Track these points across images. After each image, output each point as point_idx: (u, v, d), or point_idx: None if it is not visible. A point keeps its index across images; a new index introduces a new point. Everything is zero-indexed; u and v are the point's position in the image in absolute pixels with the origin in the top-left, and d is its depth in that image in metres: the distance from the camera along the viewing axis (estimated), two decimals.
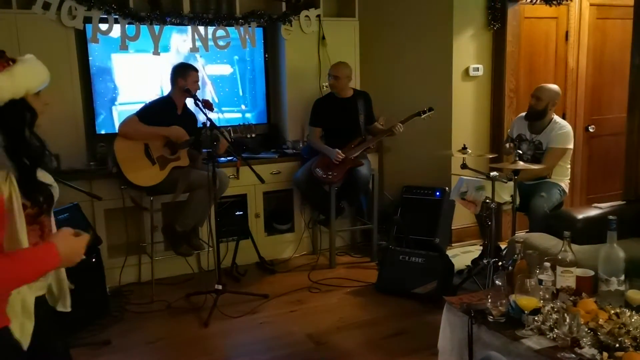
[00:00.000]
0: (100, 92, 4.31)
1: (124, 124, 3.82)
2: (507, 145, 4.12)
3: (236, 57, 4.77)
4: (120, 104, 4.35)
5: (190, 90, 3.85)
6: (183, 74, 3.91)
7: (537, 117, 4.02)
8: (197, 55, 4.58)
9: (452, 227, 4.70)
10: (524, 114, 4.19)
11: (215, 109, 4.01)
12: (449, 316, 2.38)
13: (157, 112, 3.86)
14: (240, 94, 4.85)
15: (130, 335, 3.36)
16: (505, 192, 3.70)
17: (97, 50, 4.25)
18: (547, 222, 3.56)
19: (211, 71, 4.70)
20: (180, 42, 4.51)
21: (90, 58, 4.22)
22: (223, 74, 4.76)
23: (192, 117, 4.11)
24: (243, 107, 4.87)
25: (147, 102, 3.95)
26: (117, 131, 3.91)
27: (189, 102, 4.05)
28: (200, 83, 4.05)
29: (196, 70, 4.00)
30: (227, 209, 4.43)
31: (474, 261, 4.12)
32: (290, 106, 4.86)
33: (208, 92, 4.69)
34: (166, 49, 4.46)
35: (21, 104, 1.45)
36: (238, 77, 4.81)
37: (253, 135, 4.60)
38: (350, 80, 4.52)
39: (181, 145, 3.87)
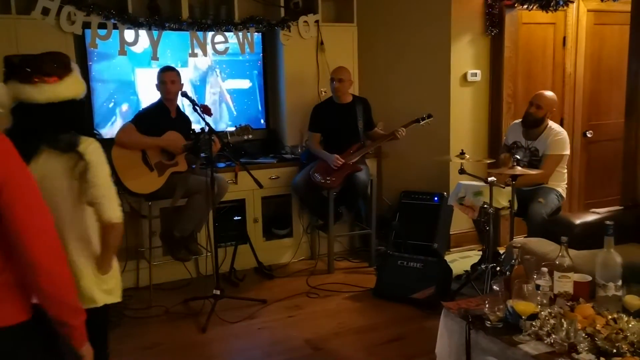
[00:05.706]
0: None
1: (120, 132, 3.79)
2: (502, 156, 4.13)
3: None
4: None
5: (163, 89, 3.82)
6: (158, 77, 3.90)
7: (535, 125, 4.03)
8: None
9: (451, 232, 4.70)
10: (518, 120, 4.21)
11: (212, 114, 4.01)
12: (447, 322, 2.37)
13: (152, 118, 3.85)
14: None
15: (128, 341, 3.35)
16: (503, 197, 3.70)
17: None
18: (545, 227, 3.57)
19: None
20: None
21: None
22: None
23: (187, 120, 4.10)
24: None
25: (141, 109, 3.94)
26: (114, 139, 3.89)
27: (185, 105, 4.06)
28: (182, 84, 3.97)
29: (171, 70, 3.93)
30: (225, 214, 4.43)
31: (472, 266, 4.13)
32: (288, 111, 4.87)
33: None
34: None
35: None
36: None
37: (250, 137, 4.59)
38: (351, 84, 4.55)
39: (178, 153, 3.87)
